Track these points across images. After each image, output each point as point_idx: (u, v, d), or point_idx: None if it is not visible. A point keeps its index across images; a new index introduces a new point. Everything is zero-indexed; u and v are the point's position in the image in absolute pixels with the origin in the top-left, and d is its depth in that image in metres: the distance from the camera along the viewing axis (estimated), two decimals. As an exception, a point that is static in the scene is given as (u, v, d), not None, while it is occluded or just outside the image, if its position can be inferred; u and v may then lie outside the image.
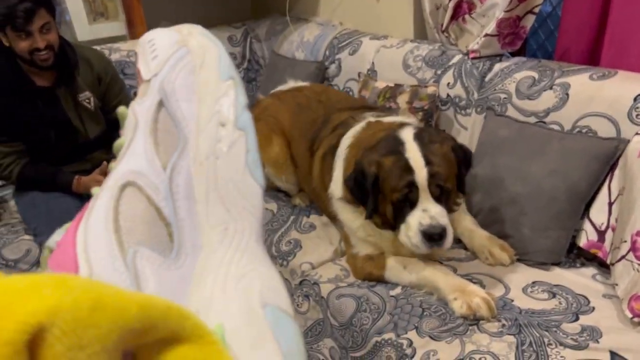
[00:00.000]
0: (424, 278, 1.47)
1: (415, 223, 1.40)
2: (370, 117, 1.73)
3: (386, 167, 1.43)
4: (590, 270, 1.53)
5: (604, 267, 1.50)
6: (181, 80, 0.43)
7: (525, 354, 1.21)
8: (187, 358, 0.26)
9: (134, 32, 2.81)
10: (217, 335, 0.30)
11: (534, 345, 1.23)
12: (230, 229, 0.40)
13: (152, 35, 0.47)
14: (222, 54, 0.46)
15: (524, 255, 1.57)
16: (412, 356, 1.28)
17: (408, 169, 1.40)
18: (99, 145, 2.07)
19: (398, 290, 1.50)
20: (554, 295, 1.41)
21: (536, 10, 1.84)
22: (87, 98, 2.00)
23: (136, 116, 0.44)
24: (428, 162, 1.40)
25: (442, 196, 1.43)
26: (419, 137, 1.45)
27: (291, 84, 2.27)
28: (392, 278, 1.55)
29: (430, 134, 1.49)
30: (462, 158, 1.49)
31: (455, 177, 1.47)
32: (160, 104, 0.43)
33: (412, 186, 1.40)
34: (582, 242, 1.54)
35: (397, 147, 1.44)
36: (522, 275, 1.51)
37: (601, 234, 1.49)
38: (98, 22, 2.80)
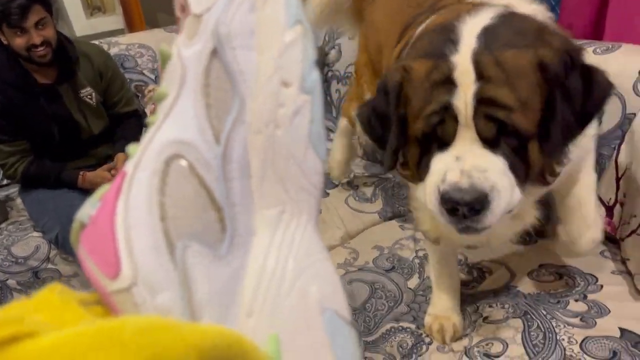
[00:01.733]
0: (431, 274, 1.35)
1: (436, 176, 0.84)
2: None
3: (414, 76, 0.85)
4: (598, 247, 1.51)
5: (612, 242, 1.49)
6: (239, 20, 0.34)
7: (532, 334, 1.21)
8: None
9: (131, 25, 2.80)
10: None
11: (542, 327, 1.23)
12: (286, 212, 0.34)
13: None
14: None
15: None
16: (430, 343, 1.28)
17: (447, 82, 0.81)
18: (102, 140, 2.07)
19: (415, 281, 1.50)
20: (560, 277, 1.40)
21: (537, -15, 1.81)
22: (88, 94, 2.00)
23: (183, 63, 0.35)
24: (481, 76, 0.80)
25: (503, 141, 0.82)
26: (489, 32, 0.83)
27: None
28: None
29: (517, 31, 0.84)
30: (565, 83, 0.81)
31: (540, 115, 0.82)
32: (214, 53, 0.34)
33: (447, 113, 0.82)
34: (591, 218, 1.53)
35: (445, 45, 0.84)
36: (527, 261, 1.49)
37: (609, 209, 1.48)
38: (95, 17, 2.79)
